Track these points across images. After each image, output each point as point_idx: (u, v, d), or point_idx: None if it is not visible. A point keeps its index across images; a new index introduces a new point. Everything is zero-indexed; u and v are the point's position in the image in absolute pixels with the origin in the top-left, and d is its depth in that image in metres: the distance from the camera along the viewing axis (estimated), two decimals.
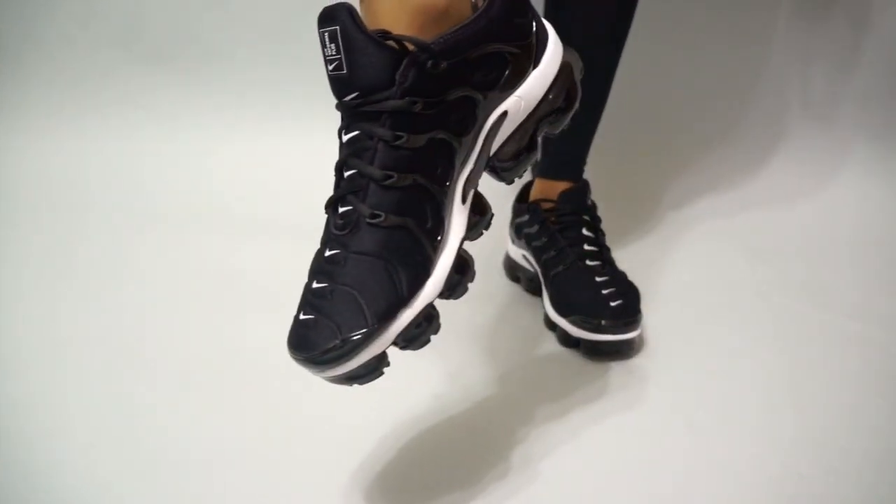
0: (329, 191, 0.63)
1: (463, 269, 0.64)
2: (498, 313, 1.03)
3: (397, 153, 0.61)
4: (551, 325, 0.97)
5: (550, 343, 0.96)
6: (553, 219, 1.01)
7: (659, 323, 0.98)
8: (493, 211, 0.69)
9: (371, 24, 0.61)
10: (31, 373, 0.89)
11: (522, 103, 0.67)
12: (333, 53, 0.59)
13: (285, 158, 1.38)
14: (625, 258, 1.04)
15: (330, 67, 0.60)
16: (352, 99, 0.60)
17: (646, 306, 0.95)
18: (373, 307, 0.59)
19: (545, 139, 0.72)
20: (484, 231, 0.68)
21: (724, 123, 1.47)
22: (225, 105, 1.43)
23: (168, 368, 0.90)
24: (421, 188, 0.61)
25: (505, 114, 0.66)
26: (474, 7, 0.64)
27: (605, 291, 0.93)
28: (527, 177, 1.07)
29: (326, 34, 0.59)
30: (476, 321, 0.99)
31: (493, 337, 0.97)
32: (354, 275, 0.60)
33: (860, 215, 1.32)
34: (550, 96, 0.69)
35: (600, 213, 1.03)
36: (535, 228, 1.02)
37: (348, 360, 0.59)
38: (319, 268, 0.62)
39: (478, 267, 0.66)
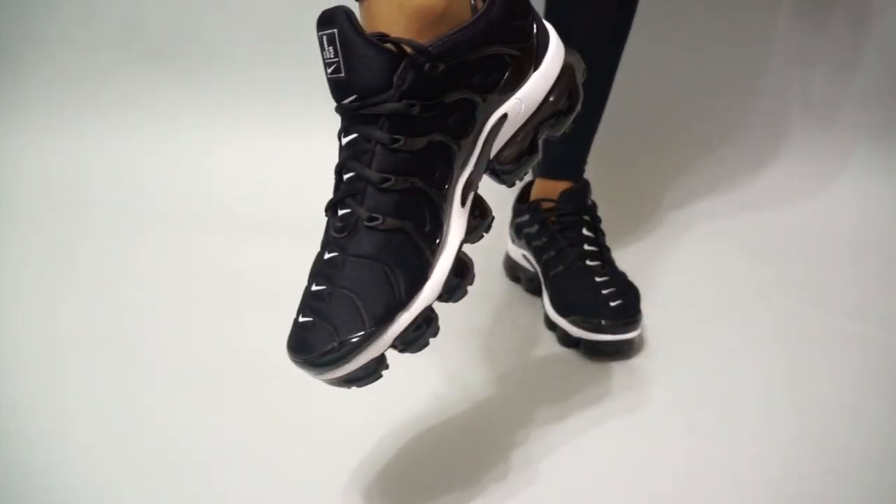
0: (329, 191, 0.63)
1: (462, 272, 0.64)
2: (498, 313, 1.03)
3: (395, 156, 0.60)
4: (551, 325, 0.97)
5: (550, 343, 0.96)
6: (553, 219, 1.01)
7: (659, 323, 0.98)
8: (493, 212, 0.68)
9: (369, 26, 0.61)
10: (31, 373, 0.89)
11: (523, 106, 0.67)
12: (332, 56, 0.59)
13: (285, 158, 1.37)
14: (625, 258, 1.04)
15: (328, 70, 0.60)
16: (350, 102, 0.60)
17: (646, 306, 0.95)
18: (370, 310, 0.59)
19: (546, 140, 0.72)
20: (484, 234, 0.68)
21: (724, 123, 1.47)
22: (225, 105, 1.43)
23: (168, 368, 0.90)
24: (419, 191, 0.61)
25: (505, 116, 0.66)
26: (474, 9, 0.64)
27: (605, 291, 0.93)
28: (527, 177, 1.07)
29: (325, 37, 0.59)
30: (476, 321, 0.99)
31: (493, 337, 0.97)
32: (353, 278, 0.60)
33: (860, 215, 1.31)
34: (552, 98, 0.69)
35: (600, 213, 1.03)
36: (535, 228, 1.02)
37: (346, 362, 0.59)
38: (319, 270, 0.62)
39: (477, 267, 0.66)
